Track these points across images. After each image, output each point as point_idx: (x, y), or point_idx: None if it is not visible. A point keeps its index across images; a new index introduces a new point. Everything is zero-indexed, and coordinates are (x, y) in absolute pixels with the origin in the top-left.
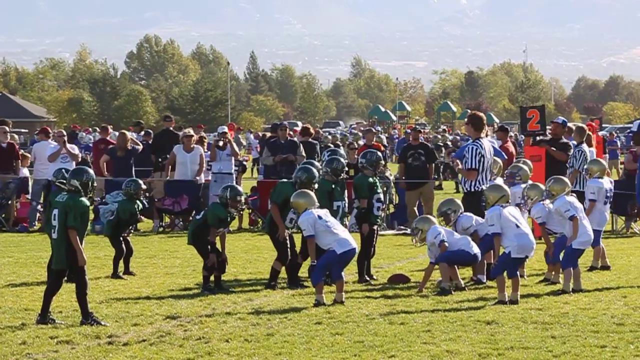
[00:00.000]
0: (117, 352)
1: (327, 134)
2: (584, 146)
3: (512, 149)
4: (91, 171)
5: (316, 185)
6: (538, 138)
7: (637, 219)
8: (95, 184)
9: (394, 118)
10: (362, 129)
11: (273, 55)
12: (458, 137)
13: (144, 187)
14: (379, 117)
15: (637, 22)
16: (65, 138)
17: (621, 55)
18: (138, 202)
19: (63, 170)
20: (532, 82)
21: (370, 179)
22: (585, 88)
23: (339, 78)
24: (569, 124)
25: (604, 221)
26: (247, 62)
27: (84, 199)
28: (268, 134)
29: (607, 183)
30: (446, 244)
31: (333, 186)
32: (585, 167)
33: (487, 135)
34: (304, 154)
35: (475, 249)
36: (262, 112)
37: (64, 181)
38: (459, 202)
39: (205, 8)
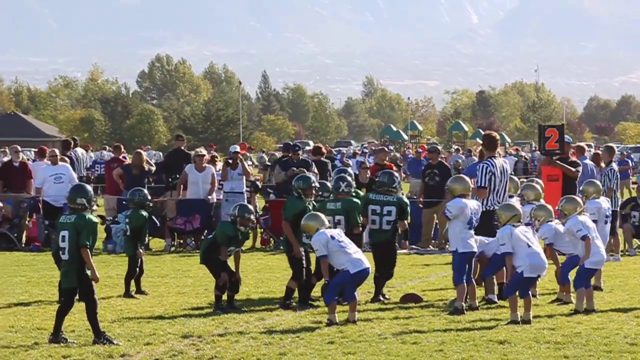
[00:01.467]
0: None
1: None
2: (614, 165)
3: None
4: (89, 187)
5: (316, 185)
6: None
7: None
8: (94, 198)
9: (406, 137)
10: (373, 148)
11: (285, 74)
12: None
13: (149, 197)
14: (390, 136)
15: None
16: (58, 157)
17: (633, 75)
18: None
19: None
20: (544, 101)
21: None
22: (597, 107)
23: (351, 97)
24: (580, 144)
25: (604, 240)
26: (259, 81)
27: (92, 216)
28: (279, 154)
29: (604, 202)
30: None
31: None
32: (580, 188)
33: (500, 155)
34: (316, 171)
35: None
36: (273, 131)
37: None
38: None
39: (216, 27)
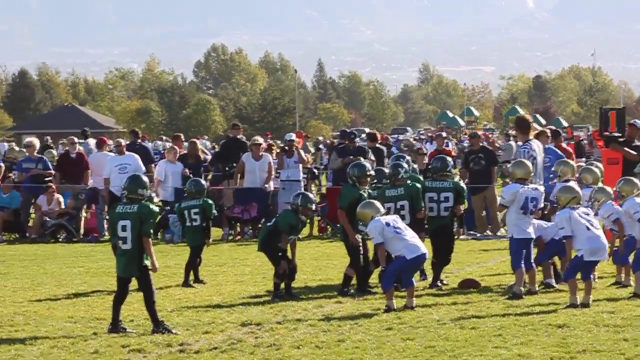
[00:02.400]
0: (188, 359)
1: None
2: None
3: (566, 148)
4: (144, 176)
5: (371, 173)
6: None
7: None
8: (153, 190)
9: (462, 123)
10: (429, 134)
11: (341, 62)
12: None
13: (205, 187)
14: (447, 122)
15: None
16: (124, 147)
17: None
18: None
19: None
20: (601, 85)
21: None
22: None
23: (407, 84)
24: None
25: None
26: (315, 70)
27: (153, 206)
28: (335, 141)
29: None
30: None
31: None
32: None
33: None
34: (373, 158)
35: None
36: (329, 119)
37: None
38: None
39: (271, 15)
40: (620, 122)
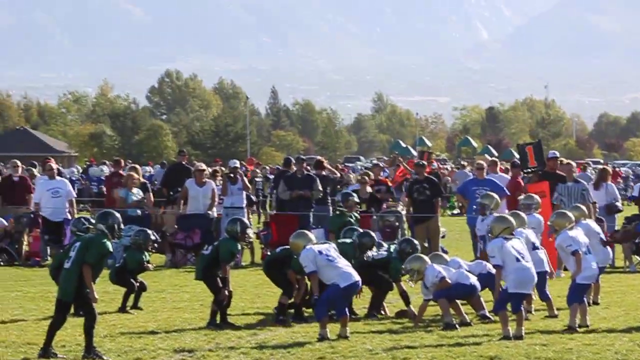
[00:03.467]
0: None
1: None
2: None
3: (522, 183)
4: (117, 214)
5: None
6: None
7: None
8: (122, 226)
9: (414, 153)
10: (381, 164)
11: (295, 90)
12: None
13: (152, 238)
14: (399, 152)
15: None
16: (55, 171)
17: None
18: (146, 252)
19: (82, 219)
20: (554, 117)
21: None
22: (607, 124)
23: (360, 113)
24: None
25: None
26: (269, 97)
27: (108, 243)
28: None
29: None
30: (448, 280)
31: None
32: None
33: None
34: (320, 188)
35: (472, 279)
36: (283, 147)
37: (81, 233)
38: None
39: (226, 43)
40: (539, 155)
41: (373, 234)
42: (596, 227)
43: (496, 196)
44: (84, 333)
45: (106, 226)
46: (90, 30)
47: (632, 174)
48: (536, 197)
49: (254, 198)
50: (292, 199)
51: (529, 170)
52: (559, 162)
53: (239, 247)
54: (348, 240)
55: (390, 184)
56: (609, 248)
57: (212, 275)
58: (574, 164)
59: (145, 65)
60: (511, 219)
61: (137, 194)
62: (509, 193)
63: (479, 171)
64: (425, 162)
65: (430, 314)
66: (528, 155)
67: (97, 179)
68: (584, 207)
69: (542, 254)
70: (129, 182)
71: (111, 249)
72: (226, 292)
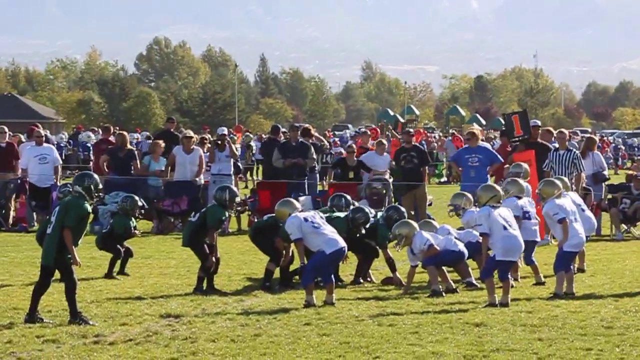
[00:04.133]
0: (101, 351)
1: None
2: None
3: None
4: (95, 175)
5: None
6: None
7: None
8: (100, 187)
9: (402, 121)
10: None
11: (284, 58)
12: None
13: (140, 204)
14: (387, 120)
15: None
16: (43, 138)
17: (632, 62)
18: (133, 218)
19: (69, 185)
20: (542, 87)
21: None
22: (595, 93)
23: (349, 82)
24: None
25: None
26: (258, 65)
27: (86, 204)
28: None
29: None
30: (436, 247)
31: None
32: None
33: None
34: (315, 156)
35: (460, 246)
36: (271, 115)
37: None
38: (470, 196)
39: (216, 11)
40: (524, 124)
41: (367, 209)
42: (578, 199)
43: (467, 194)
44: (67, 299)
45: (82, 187)
46: None
47: (621, 143)
48: (524, 165)
49: (240, 165)
50: (285, 166)
51: (516, 139)
52: (546, 131)
53: (227, 214)
54: (341, 215)
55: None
56: (594, 217)
57: (199, 242)
58: (566, 132)
59: (134, 33)
60: (498, 188)
61: (161, 163)
62: (502, 160)
63: (471, 139)
64: (412, 131)
65: (416, 281)
66: (514, 124)
67: (83, 145)
68: (566, 180)
69: (535, 223)
70: (156, 150)
71: (89, 210)
72: (213, 259)
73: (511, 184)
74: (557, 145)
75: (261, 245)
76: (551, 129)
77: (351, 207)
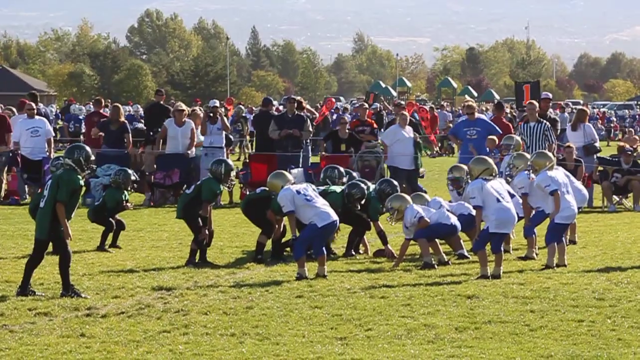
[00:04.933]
0: (94, 323)
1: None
2: None
3: (506, 123)
4: (86, 147)
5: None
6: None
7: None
8: (91, 159)
9: (394, 94)
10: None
11: (276, 30)
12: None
13: (133, 177)
14: (379, 92)
15: None
16: (35, 111)
17: (624, 33)
18: (126, 192)
19: (60, 158)
20: (534, 58)
21: None
22: (587, 65)
23: (341, 54)
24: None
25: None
26: (249, 37)
27: (78, 177)
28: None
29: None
30: (427, 219)
31: None
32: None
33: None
34: (311, 129)
35: (453, 219)
36: (262, 87)
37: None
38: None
39: None
40: (535, 94)
41: (363, 184)
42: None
43: (463, 166)
44: (60, 272)
45: (72, 160)
46: None
47: (614, 115)
48: (516, 137)
49: (231, 137)
50: (281, 138)
51: (523, 108)
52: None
53: (222, 187)
54: (338, 189)
55: (375, 125)
56: (585, 189)
57: (193, 214)
58: (535, 103)
59: (125, 5)
60: (490, 160)
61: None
62: (500, 132)
63: (469, 112)
64: (403, 103)
65: (408, 254)
66: (524, 93)
67: (75, 118)
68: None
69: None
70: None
71: (81, 183)
72: (207, 232)
73: (518, 158)
74: (561, 113)
75: (253, 217)
76: (549, 94)
77: (345, 178)
